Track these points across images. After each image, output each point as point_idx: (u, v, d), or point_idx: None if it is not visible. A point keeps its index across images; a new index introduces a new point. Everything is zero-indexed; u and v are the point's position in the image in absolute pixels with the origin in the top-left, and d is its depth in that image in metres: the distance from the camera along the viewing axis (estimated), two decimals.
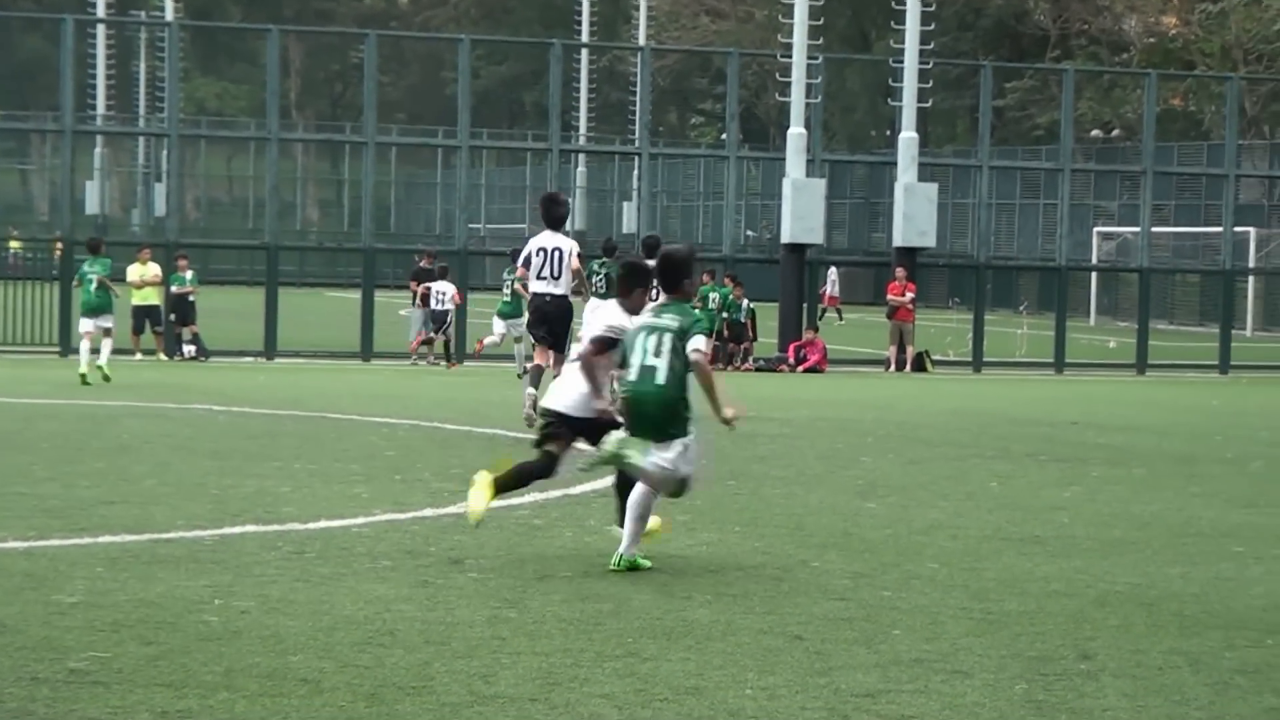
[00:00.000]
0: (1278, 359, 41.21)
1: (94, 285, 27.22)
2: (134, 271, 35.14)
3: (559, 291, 19.06)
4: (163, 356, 34.42)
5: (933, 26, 39.06)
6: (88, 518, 12.58)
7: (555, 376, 12.82)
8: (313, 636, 8.92)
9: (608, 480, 15.37)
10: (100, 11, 71.63)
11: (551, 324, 19.13)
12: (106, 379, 26.07)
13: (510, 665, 8.44)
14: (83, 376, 25.93)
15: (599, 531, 12.56)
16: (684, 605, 10.04)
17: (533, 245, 19.13)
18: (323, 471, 15.67)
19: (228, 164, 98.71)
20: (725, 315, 35.53)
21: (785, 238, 37.59)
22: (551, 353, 18.87)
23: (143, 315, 34.83)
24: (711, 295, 35.25)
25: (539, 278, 18.99)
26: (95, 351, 26.75)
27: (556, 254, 19.02)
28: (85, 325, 26.98)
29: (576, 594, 10.27)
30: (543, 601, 10.03)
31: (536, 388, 18.13)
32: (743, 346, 36.12)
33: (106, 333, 27.02)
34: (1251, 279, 55.33)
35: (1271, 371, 39.78)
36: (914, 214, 37.88)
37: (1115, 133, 69.33)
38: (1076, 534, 13.06)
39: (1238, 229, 45.47)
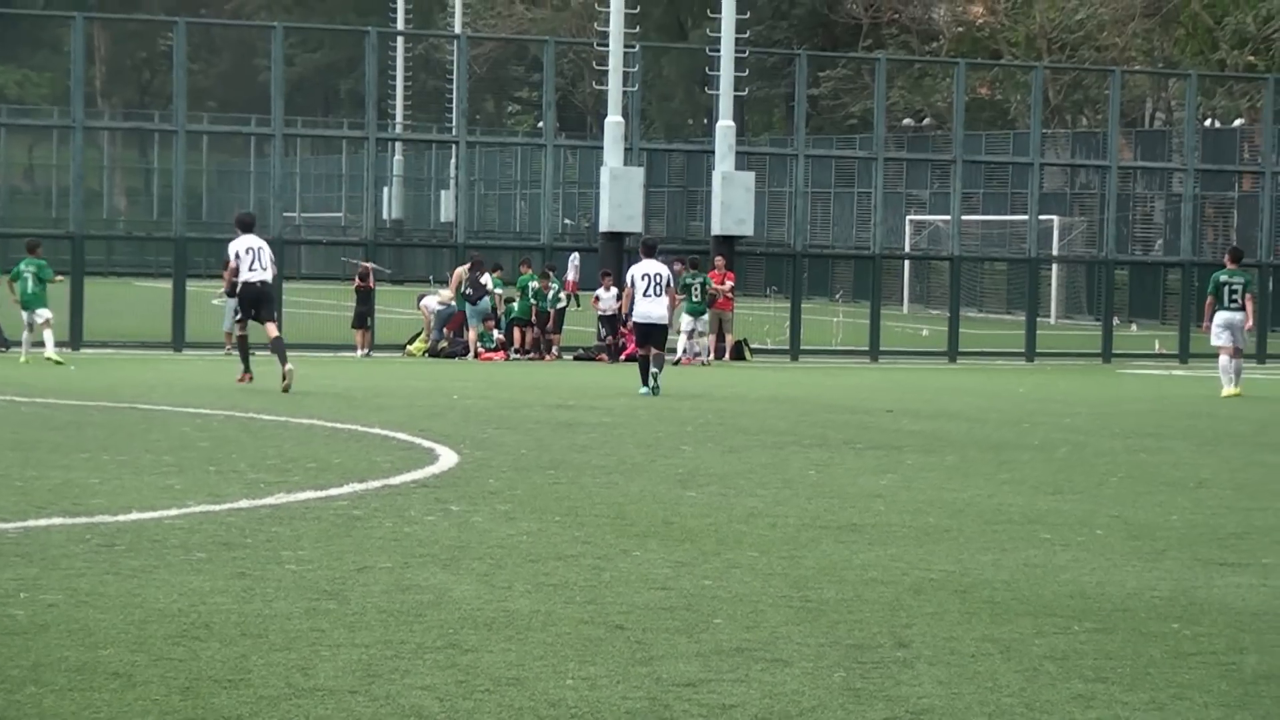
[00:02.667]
0: (1079, 346, 41.93)
1: (29, 282, 30.22)
2: None
3: (267, 278, 24.80)
4: None
5: (748, 15, 39.28)
6: None
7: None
8: (124, 630, 8.75)
9: (428, 470, 15.33)
10: None
11: (258, 306, 24.77)
12: (59, 364, 28.95)
13: (330, 657, 8.33)
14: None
15: (419, 521, 12.47)
16: (504, 596, 9.98)
17: (240, 245, 24.81)
18: (133, 463, 15.40)
19: (29, 153, 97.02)
20: (534, 303, 35.63)
21: (604, 226, 37.66)
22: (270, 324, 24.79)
23: None
24: (531, 285, 35.28)
25: (249, 269, 24.50)
26: (38, 344, 30.02)
27: (262, 250, 24.74)
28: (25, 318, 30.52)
29: (396, 585, 10.18)
30: (362, 593, 9.92)
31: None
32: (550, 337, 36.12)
33: (46, 323, 30.28)
34: (1055, 267, 56.26)
35: (1074, 358, 40.48)
36: (731, 203, 38.07)
37: (926, 121, 70.18)
38: (892, 521, 13.17)
39: (1042, 217, 46.21)
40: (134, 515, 12.41)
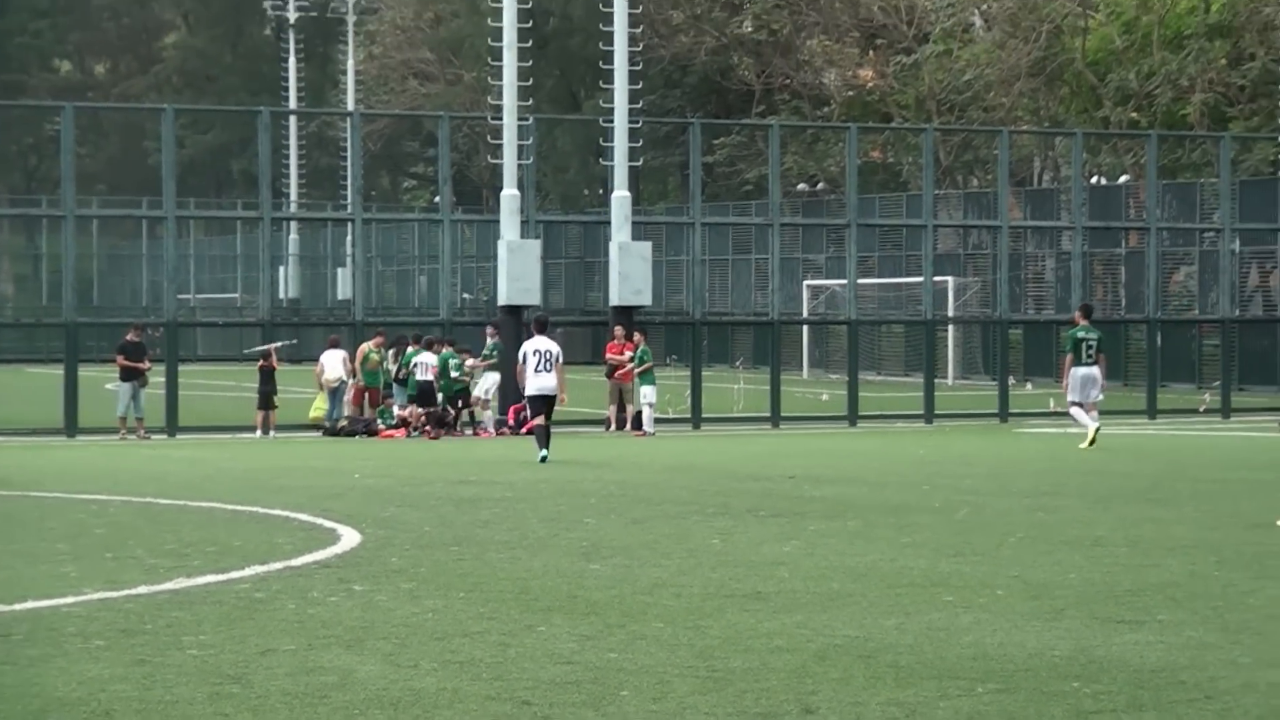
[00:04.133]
0: (977, 406, 42.21)
1: None
2: None
3: None
4: None
5: (640, 85, 39.47)
6: None
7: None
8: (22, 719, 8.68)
9: (330, 550, 15.25)
10: None
11: None
12: None
13: None
14: None
15: (322, 602, 12.40)
16: (410, 675, 9.95)
17: None
18: (27, 551, 15.25)
19: None
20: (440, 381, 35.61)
21: (502, 299, 37.64)
22: None
23: None
24: (415, 361, 35.25)
25: None
26: None
27: None
28: None
29: (301, 667, 10.13)
30: (266, 676, 9.87)
31: None
32: (463, 411, 36.12)
33: None
34: (951, 328, 56.68)
35: (972, 419, 40.75)
36: (629, 273, 38.16)
37: (820, 186, 70.69)
38: (796, 588, 13.22)
39: (937, 278, 46.57)
40: (30, 604, 12.29)
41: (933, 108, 66.15)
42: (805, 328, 60.95)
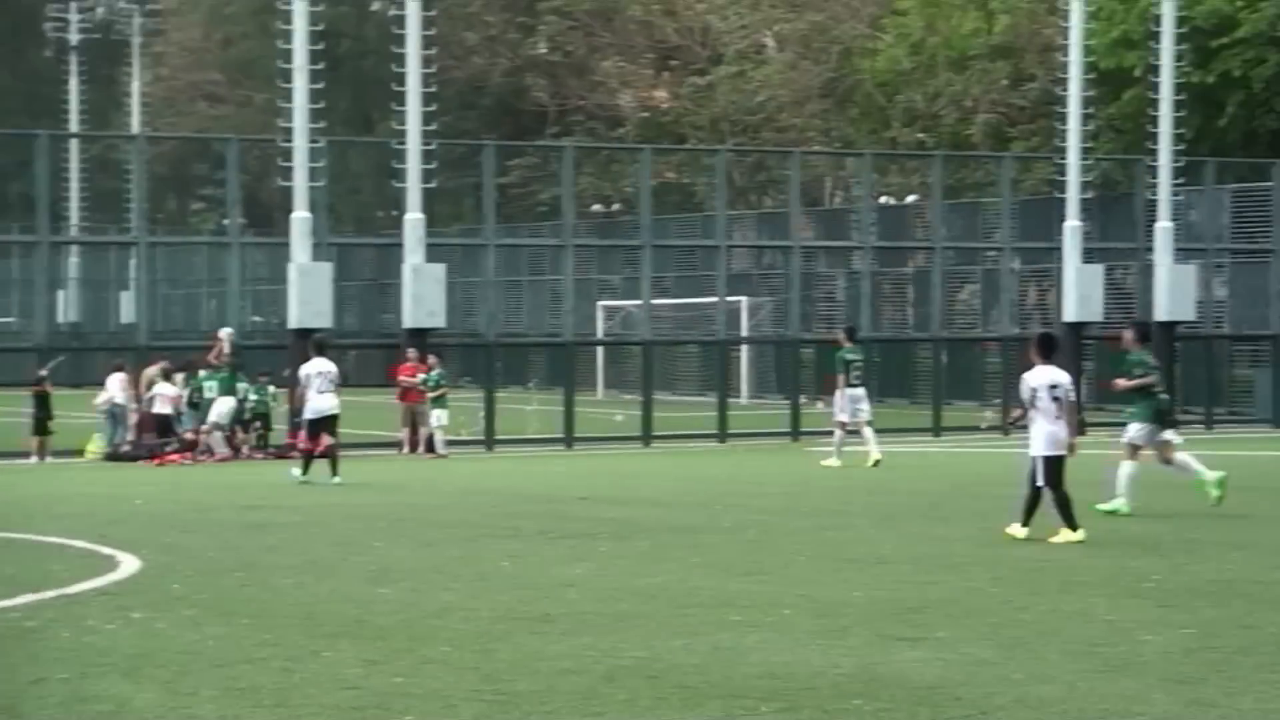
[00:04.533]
0: (770, 425, 42.51)
1: None
2: None
3: None
4: None
5: (434, 107, 39.27)
6: None
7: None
8: None
9: (108, 578, 14.95)
10: None
11: None
12: None
13: None
14: None
15: (98, 630, 12.16)
16: (189, 703, 9.80)
17: None
18: None
19: None
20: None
21: (293, 323, 37.21)
22: None
23: None
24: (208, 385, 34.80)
25: None
26: None
27: None
28: None
29: (74, 696, 9.94)
30: (37, 705, 9.68)
31: None
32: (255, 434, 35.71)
33: None
34: (744, 348, 57.08)
35: (764, 437, 41.04)
36: (423, 295, 37.95)
37: (616, 207, 70.92)
38: (586, 610, 13.20)
39: (731, 298, 46.88)
40: None
41: (726, 129, 66.67)
42: (600, 349, 61.04)
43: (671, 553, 16.95)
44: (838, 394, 30.78)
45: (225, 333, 36.13)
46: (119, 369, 35.48)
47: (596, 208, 71.54)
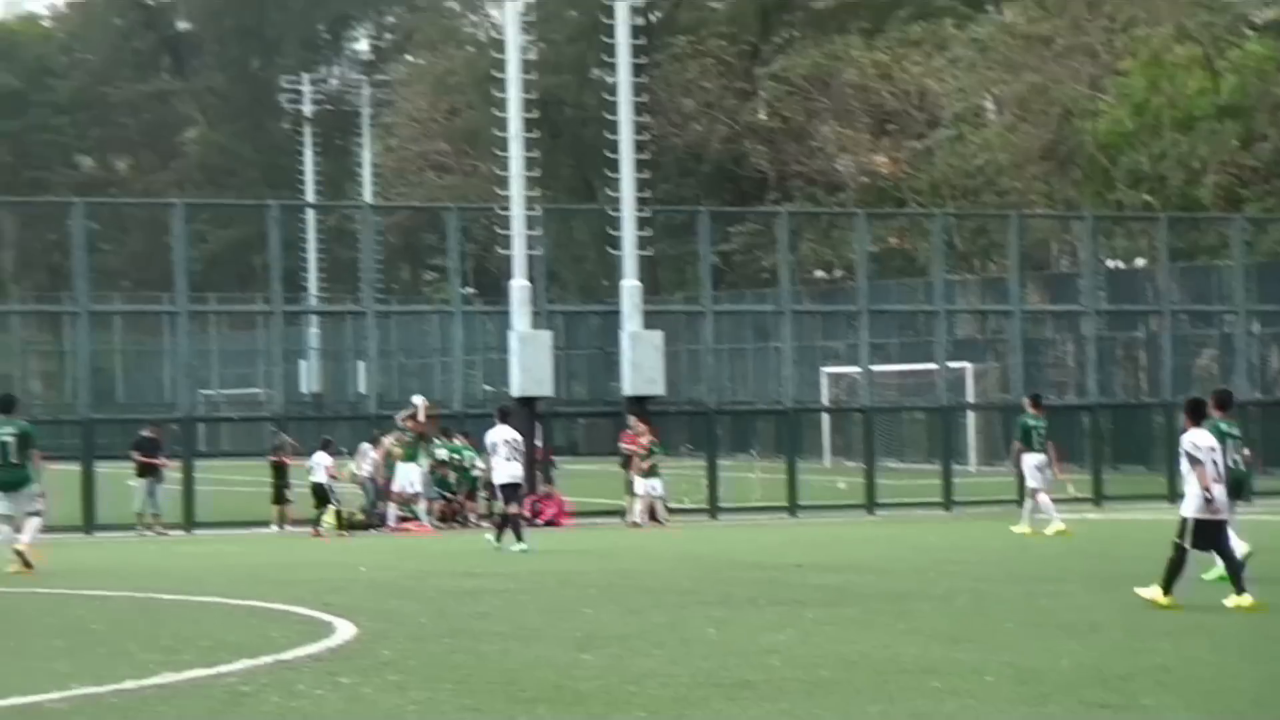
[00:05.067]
0: (998, 493, 42.01)
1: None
2: None
3: None
4: None
5: (650, 175, 39.57)
6: None
7: None
8: None
9: (322, 644, 15.23)
10: None
11: None
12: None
13: None
14: None
15: (307, 695, 12.37)
16: None
17: None
18: (22, 648, 15.25)
19: None
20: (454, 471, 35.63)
21: (515, 390, 37.60)
22: None
23: None
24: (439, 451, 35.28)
25: None
26: None
27: None
28: None
29: None
30: None
31: None
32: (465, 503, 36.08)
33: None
34: (971, 414, 56.46)
35: (993, 505, 40.56)
36: (641, 362, 38.18)
37: (838, 273, 70.75)
38: (786, 676, 13.15)
39: (955, 364, 46.50)
40: (13, 700, 12.25)
41: (947, 193, 66.27)
42: (825, 416, 60.84)
43: (879, 620, 16.85)
44: (1023, 461, 30.98)
45: (418, 400, 36.63)
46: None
47: (819, 274, 71.46)
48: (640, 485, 35.63)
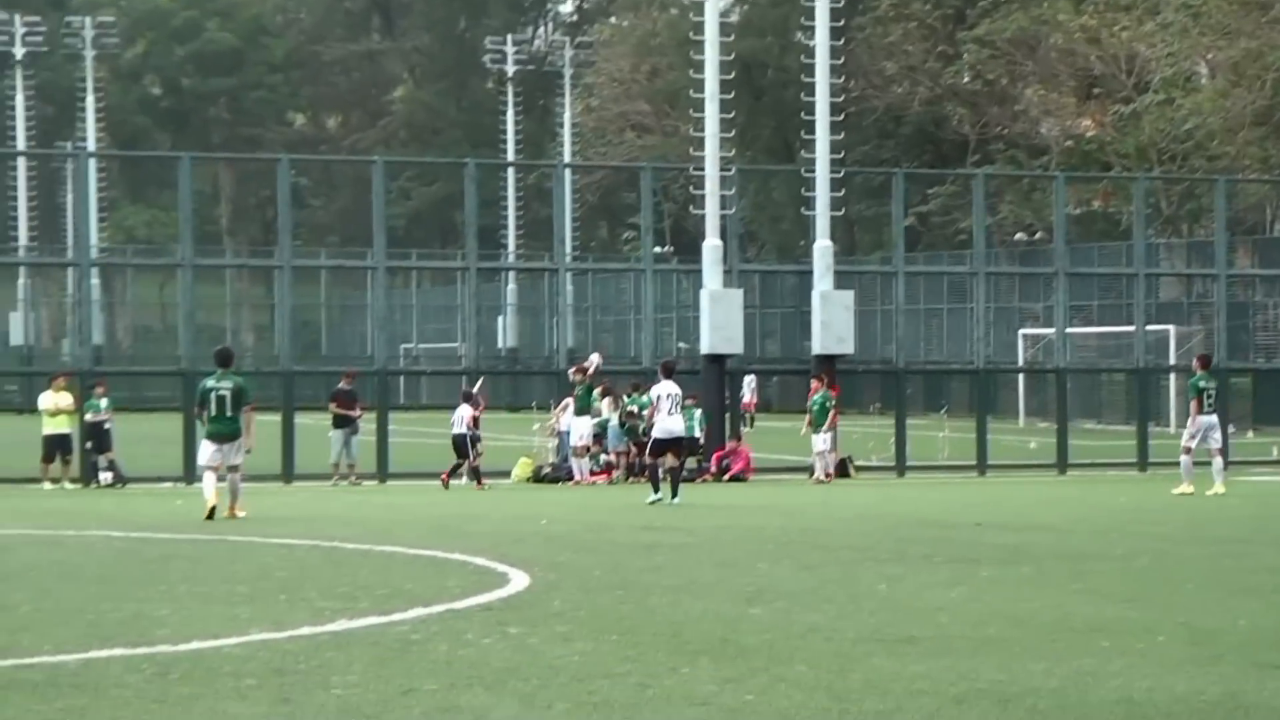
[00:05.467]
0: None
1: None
2: (47, 399, 34.97)
3: None
4: (68, 484, 34.19)
5: (845, 136, 39.42)
6: None
7: None
8: None
9: (494, 594, 15.43)
10: (20, 143, 71.78)
11: None
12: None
13: None
14: None
15: (474, 644, 12.54)
16: (542, 716, 10.04)
17: None
18: (207, 593, 15.59)
19: (160, 291, 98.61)
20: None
21: (704, 348, 37.79)
22: None
23: (54, 443, 34.60)
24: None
25: None
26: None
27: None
28: None
29: (437, 707, 10.25)
30: (401, 716, 10.00)
31: None
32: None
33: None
34: (1173, 376, 55.59)
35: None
36: (831, 321, 38.12)
37: (1038, 235, 69.92)
38: (951, 634, 13.09)
39: (1158, 327, 45.80)
40: (194, 644, 12.54)
41: (1154, 156, 65.12)
42: (1020, 376, 60.31)
43: (1053, 579, 16.69)
44: (1195, 420, 30.64)
45: (594, 358, 36.99)
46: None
47: (1019, 236, 70.69)
48: (819, 441, 35.58)
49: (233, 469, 24.57)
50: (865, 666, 11.65)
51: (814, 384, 36.28)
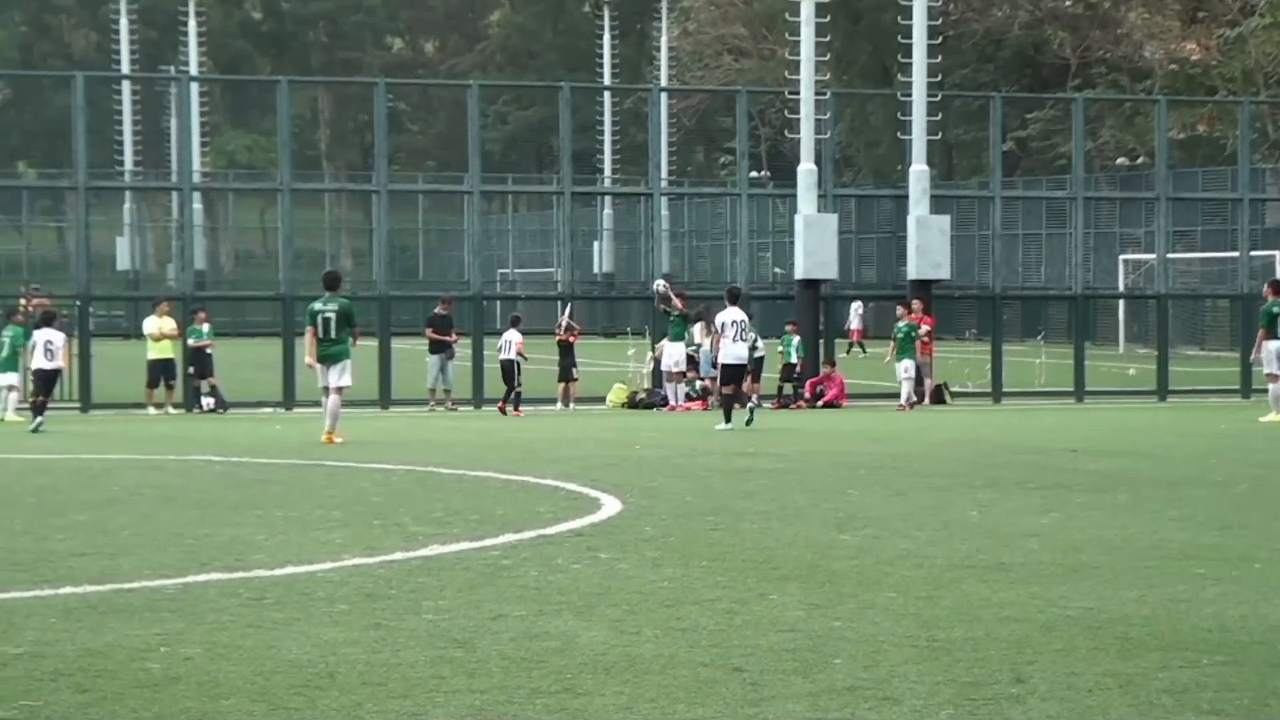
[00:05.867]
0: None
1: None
2: (151, 324, 35.37)
3: None
4: (171, 410, 34.59)
5: (942, 60, 39.11)
6: (54, 569, 12.65)
7: None
8: (251, 681, 8.98)
9: (586, 519, 15.51)
10: (124, 67, 72.23)
11: None
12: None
13: (443, 703, 8.49)
14: None
15: (564, 570, 12.61)
16: (630, 641, 10.08)
17: None
18: (302, 518, 15.75)
19: (261, 216, 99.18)
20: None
21: (799, 273, 37.72)
22: None
23: (158, 369, 35.02)
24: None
25: None
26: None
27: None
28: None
29: (526, 632, 10.31)
30: (491, 640, 10.07)
31: None
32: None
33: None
34: None
35: None
36: (927, 246, 37.95)
37: (1140, 160, 69.15)
38: (1043, 560, 13.06)
39: (1264, 252, 45.27)
40: (289, 569, 12.69)
41: (1260, 81, 64.18)
42: (1120, 302, 59.82)
43: (1148, 505, 16.60)
44: (1261, 348, 30.26)
45: (659, 283, 36.96)
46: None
47: (1121, 161, 69.95)
48: (901, 369, 35.46)
49: (336, 390, 25.00)
50: (955, 593, 11.64)
51: (900, 311, 36.19)
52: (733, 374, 28.11)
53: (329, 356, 24.98)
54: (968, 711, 8.33)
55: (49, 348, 29.74)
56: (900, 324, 35.70)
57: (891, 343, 36.31)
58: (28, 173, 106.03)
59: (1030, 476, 19.45)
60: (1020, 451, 23.32)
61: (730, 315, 27.95)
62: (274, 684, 8.91)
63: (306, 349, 25.52)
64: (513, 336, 34.36)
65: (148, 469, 21.07)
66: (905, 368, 35.30)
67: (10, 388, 32.29)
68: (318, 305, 25.17)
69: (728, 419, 27.47)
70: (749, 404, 28.81)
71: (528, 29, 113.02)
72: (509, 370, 34.00)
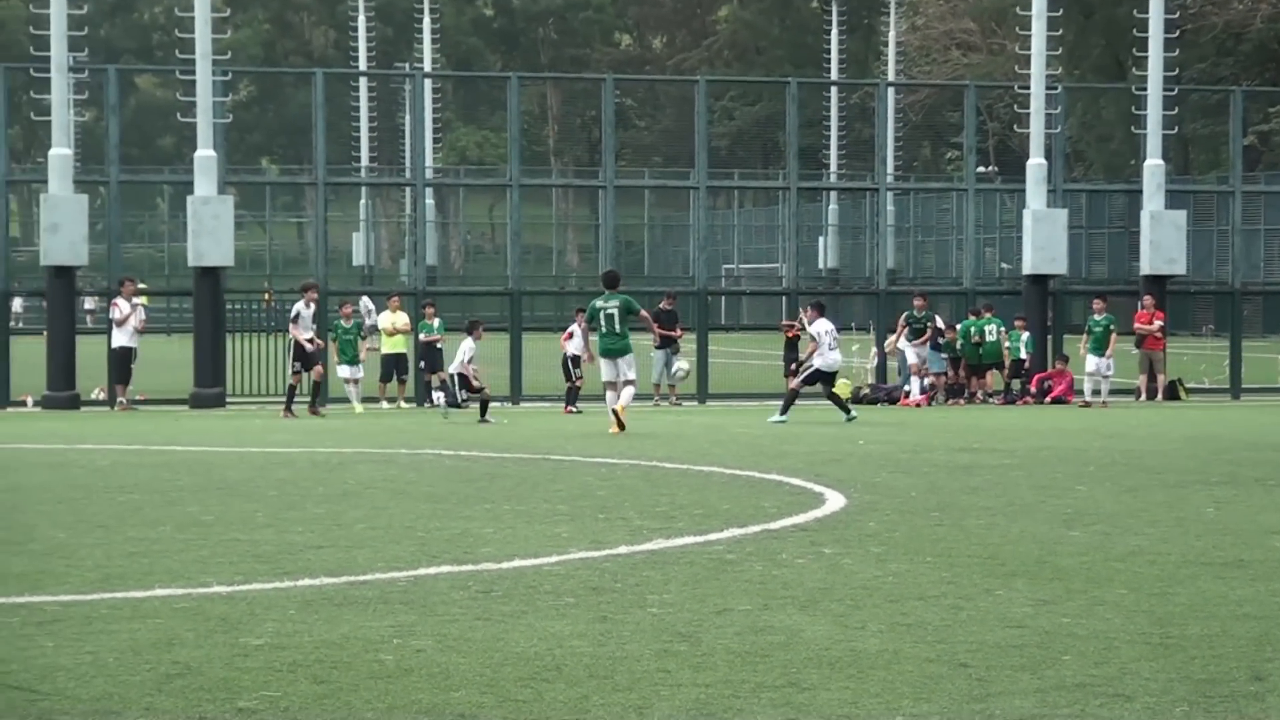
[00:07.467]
0: None
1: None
2: (385, 319, 35.96)
3: None
4: (403, 404, 35.09)
5: (1176, 53, 38.44)
6: (294, 562, 12.89)
7: None
8: (480, 673, 9.06)
9: (810, 514, 15.47)
10: (361, 64, 73.44)
11: None
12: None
13: (669, 697, 8.51)
14: None
15: (789, 564, 12.59)
16: (855, 636, 10.03)
17: None
18: (529, 512, 15.88)
19: (489, 212, 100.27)
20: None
21: (1026, 269, 37.31)
22: None
23: (390, 363, 35.58)
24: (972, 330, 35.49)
25: None
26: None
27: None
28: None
29: (751, 627, 10.31)
30: (715, 634, 10.07)
31: None
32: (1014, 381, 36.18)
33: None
34: None
35: None
36: (1161, 241, 37.32)
37: None
38: None
39: None
40: (516, 563, 12.79)
41: None
42: None
43: None
44: None
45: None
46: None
47: None
48: (1091, 363, 34.76)
49: (628, 382, 26.39)
50: (1189, 590, 11.42)
51: (1096, 304, 35.51)
52: (828, 379, 29.17)
53: (614, 351, 26.33)
54: (1203, 709, 8.17)
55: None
56: (1096, 318, 35.11)
57: (1085, 335, 35.64)
58: (270, 169, 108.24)
59: (1271, 474, 19.04)
60: (1261, 448, 22.83)
61: (824, 326, 28.86)
62: (502, 676, 8.98)
63: (584, 346, 28.01)
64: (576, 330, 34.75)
65: (380, 463, 21.38)
66: (1107, 365, 34.66)
67: (353, 380, 33.48)
68: (599, 302, 26.56)
69: (783, 411, 28.74)
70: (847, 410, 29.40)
71: (755, 24, 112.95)
72: (566, 365, 34.11)
